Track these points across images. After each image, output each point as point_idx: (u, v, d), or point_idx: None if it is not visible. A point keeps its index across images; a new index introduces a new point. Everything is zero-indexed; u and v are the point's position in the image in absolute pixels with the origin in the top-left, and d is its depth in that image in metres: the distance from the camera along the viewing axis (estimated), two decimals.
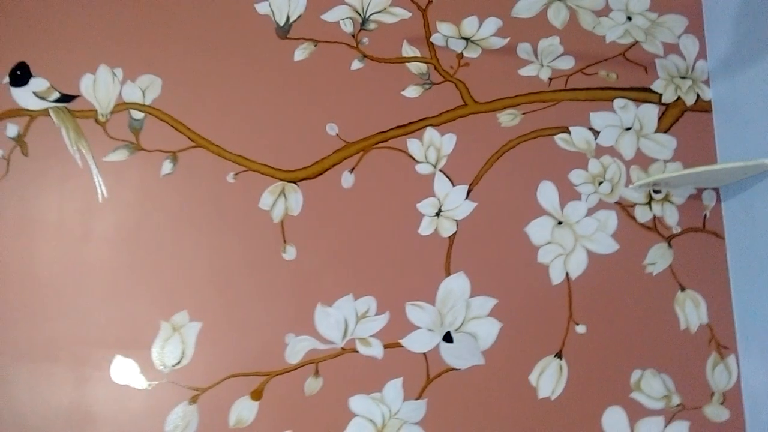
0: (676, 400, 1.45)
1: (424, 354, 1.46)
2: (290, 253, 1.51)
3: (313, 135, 1.58)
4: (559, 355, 1.47)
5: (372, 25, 1.66)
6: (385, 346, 1.47)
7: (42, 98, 1.60)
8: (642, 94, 1.62)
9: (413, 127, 1.60)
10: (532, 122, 1.60)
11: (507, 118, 1.61)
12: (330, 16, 1.66)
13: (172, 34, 1.64)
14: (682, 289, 1.51)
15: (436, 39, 1.65)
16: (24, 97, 1.60)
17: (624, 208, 1.56)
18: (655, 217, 1.55)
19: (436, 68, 1.63)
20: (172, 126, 1.59)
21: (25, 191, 1.54)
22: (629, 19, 1.67)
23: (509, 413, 1.44)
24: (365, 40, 1.65)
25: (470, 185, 1.56)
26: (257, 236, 1.52)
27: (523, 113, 1.61)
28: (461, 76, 1.63)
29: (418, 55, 1.64)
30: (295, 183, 1.56)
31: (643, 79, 1.64)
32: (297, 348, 1.46)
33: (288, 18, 1.66)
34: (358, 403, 1.43)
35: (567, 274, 1.52)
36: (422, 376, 1.45)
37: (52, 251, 1.51)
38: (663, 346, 1.48)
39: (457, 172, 1.57)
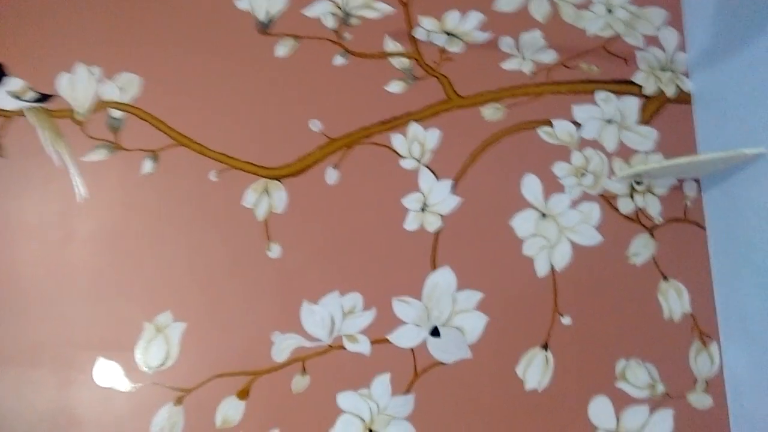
0: (660, 388, 1.47)
1: (412, 349, 1.46)
2: (275, 250, 1.50)
3: (296, 131, 1.57)
4: (545, 347, 1.48)
5: (354, 20, 1.65)
6: (372, 342, 1.46)
7: (18, 98, 1.56)
8: (623, 86, 1.64)
9: (397, 122, 1.59)
10: (516, 116, 1.61)
11: (490, 112, 1.61)
12: (311, 12, 1.64)
13: (152, 32, 1.62)
14: (665, 278, 1.53)
15: (419, 34, 1.64)
16: None
17: (607, 199, 1.57)
18: (637, 208, 1.57)
19: (418, 63, 1.63)
20: (153, 125, 1.56)
21: (3, 193, 1.51)
22: (610, 11, 1.68)
23: (497, 406, 1.45)
24: (347, 35, 1.64)
25: (455, 180, 1.56)
26: (241, 234, 1.51)
27: (507, 107, 1.61)
28: (444, 70, 1.63)
29: (401, 50, 1.63)
30: (278, 180, 1.54)
31: (625, 71, 1.65)
32: (283, 346, 1.45)
33: (269, 13, 1.64)
34: (345, 399, 1.43)
35: (552, 266, 1.52)
36: (410, 371, 1.45)
37: (33, 253, 1.48)
38: (647, 335, 1.50)
39: (442, 167, 1.57)
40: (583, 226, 1.55)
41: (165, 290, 1.47)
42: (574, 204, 1.56)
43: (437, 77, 1.62)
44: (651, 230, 1.55)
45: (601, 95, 1.62)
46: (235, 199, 1.53)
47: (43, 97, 1.57)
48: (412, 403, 1.44)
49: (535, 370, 1.47)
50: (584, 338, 1.49)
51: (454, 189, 1.56)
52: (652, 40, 1.67)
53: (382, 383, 1.44)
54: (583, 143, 1.60)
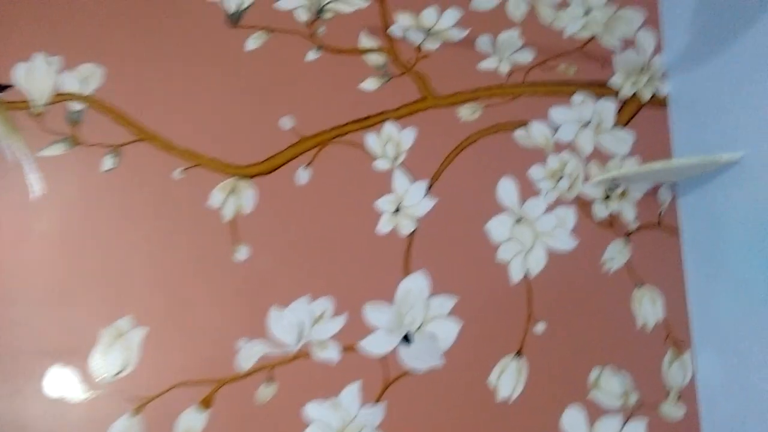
0: (633, 398, 1.46)
1: (383, 356, 1.42)
2: (242, 253, 1.44)
3: (266, 129, 1.52)
4: (518, 354, 1.45)
5: (328, 15, 1.59)
6: (343, 349, 1.41)
7: None
8: (600, 89, 1.62)
9: (371, 121, 1.55)
10: (492, 117, 1.57)
11: (467, 112, 1.57)
12: (284, 4, 1.59)
13: (116, 21, 1.55)
14: (640, 285, 1.51)
15: (395, 30, 1.60)
16: None
17: (582, 204, 1.55)
18: (612, 213, 1.55)
19: (394, 60, 1.58)
20: (114, 119, 1.49)
21: None
22: (587, 13, 1.66)
23: (469, 415, 1.41)
24: (321, 29, 1.58)
25: (430, 181, 1.52)
26: (207, 235, 1.45)
27: (483, 107, 1.58)
28: (420, 68, 1.58)
29: (376, 46, 1.58)
30: (247, 179, 1.48)
31: (601, 73, 1.63)
32: (249, 353, 1.39)
33: (239, 5, 1.58)
34: (313, 409, 1.38)
35: (527, 271, 1.50)
36: (380, 380, 1.41)
37: None
38: (621, 342, 1.48)
39: (417, 168, 1.53)
40: (559, 230, 1.52)
41: (125, 293, 1.41)
42: (550, 208, 1.53)
43: (413, 75, 1.58)
44: (626, 236, 1.54)
45: (578, 98, 1.60)
46: (201, 198, 1.47)
47: None
48: (382, 412, 1.40)
49: (508, 378, 1.44)
50: (559, 345, 1.47)
51: (429, 191, 1.52)
52: (630, 43, 1.65)
53: (351, 392, 1.40)
54: (560, 146, 1.57)
